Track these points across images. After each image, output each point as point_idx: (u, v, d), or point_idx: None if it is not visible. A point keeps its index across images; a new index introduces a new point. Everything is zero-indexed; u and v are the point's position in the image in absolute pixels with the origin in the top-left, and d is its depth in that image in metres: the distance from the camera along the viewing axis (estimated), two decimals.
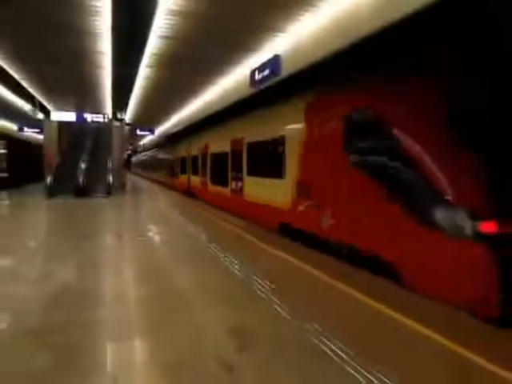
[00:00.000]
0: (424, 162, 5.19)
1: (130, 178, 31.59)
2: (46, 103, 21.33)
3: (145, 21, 10.01)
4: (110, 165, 19.58)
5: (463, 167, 4.88)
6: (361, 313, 4.18)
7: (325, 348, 3.39)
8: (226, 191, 13.71)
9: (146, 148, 48.21)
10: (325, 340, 3.52)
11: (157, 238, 8.02)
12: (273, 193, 9.71)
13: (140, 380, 3.03)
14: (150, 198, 17.66)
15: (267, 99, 11.43)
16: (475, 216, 4.51)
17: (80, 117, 20.94)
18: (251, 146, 11.46)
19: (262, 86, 11.73)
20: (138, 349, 3.47)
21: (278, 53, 10.83)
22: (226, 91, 15.68)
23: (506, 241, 4.28)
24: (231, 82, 14.90)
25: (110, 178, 18.39)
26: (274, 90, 11.28)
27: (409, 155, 5.42)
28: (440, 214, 4.87)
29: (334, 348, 3.37)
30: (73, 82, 16.37)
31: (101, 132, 21.91)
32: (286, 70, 10.49)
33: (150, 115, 24.87)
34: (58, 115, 20.60)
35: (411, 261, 5.25)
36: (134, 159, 56.92)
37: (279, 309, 4.28)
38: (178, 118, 25.23)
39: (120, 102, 20.69)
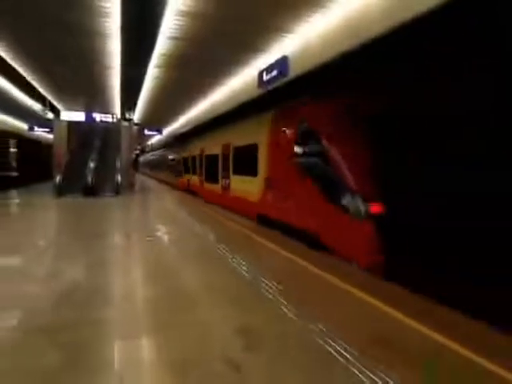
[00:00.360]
0: (337, 162, 7.33)
1: (138, 178, 31.51)
2: (56, 103, 21.58)
3: (154, 21, 10.11)
4: (118, 164, 19.73)
5: (360, 167, 7.11)
6: (365, 313, 4.24)
7: (329, 348, 3.43)
8: (217, 188, 15.82)
9: (154, 148, 48.37)
10: (330, 340, 3.56)
11: (165, 238, 8.05)
12: (251, 188, 11.66)
13: (147, 378, 3.07)
14: (157, 198, 17.70)
15: (249, 111, 13.61)
16: (367, 201, 6.70)
17: (89, 116, 21.07)
18: (236, 149, 13.55)
19: (269, 87, 11.90)
20: (146, 347, 3.51)
21: (285, 54, 10.87)
22: (233, 92, 15.84)
23: (384, 217, 6.46)
24: (239, 82, 14.98)
25: (119, 178, 18.52)
26: (254, 104, 13.64)
27: (328, 157, 7.53)
28: (346, 200, 7.00)
29: (338, 348, 3.42)
30: (82, 82, 16.56)
31: (109, 132, 22.13)
32: (293, 71, 10.56)
33: (158, 115, 24.98)
34: (67, 115, 20.77)
35: (330, 232, 7.42)
36: (141, 159, 57.16)
37: (286, 309, 4.31)
38: (185, 118, 25.47)
39: (128, 102, 20.88)
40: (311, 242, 7.70)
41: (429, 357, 3.32)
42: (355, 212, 6.79)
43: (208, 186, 17.60)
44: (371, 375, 3.03)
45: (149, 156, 48.55)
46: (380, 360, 3.24)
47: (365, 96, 8.54)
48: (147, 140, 45.94)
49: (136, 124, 23.87)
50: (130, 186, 20.36)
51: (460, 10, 6.12)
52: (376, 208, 6.64)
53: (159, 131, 29.47)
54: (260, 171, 11.04)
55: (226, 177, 14.60)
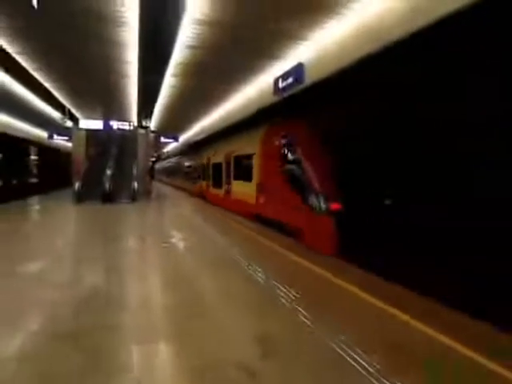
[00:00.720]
0: (307, 168, 9.39)
1: (154, 185, 31.47)
2: (74, 111, 22.11)
3: (171, 31, 10.28)
4: (134, 171, 19.81)
5: (324, 173, 9.25)
6: (381, 321, 4.22)
7: (348, 358, 3.40)
8: (221, 192, 17.52)
9: (170, 155, 48.81)
10: (349, 350, 3.54)
11: (181, 245, 8.06)
12: (247, 191, 13.27)
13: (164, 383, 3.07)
14: (173, 205, 17.70)
15: (263, 119, 14.75)
16: (328, 200, 8.62)
17: (107, 124, 21.32)
18: (236, 158, 15.14)
19: (285, 94, 11.92)
20: (163, 353, 3.53)
21: (301, 61, 10.88)
22: (249, 100, 15.90)
23: (341, 213, 8.28)
24: (255, 90, 15.00)
25: (135, 185, 18.57)
26: (268, 111, 14.61)
27: (302, 164, 9.58)
28: (312, 200, 8.88)
29: (356, 357, 3.40)
30: (100, 90, 16.88)
31: (126, 139, 22.25)
32: (309, 78, 10.56)
33: (174, 123, 25.21)
34: (86, 123, 21.07)
35: (304, 226, 9.11)
36: (157, 166, 57.54)
37: (303, 318, 4.29)
38: (200, 126, 25.63)
39: (145, 110, 21.32)
40: (294, 234, 9.44)
41: (434, 358, 3.37)
42: (318, 209, 8.67)
43: (213, 190, 19.36)
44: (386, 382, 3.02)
45: (165, 163, 49.07)
46: (394, 365, 3.28)
47: (327, 115, 11.43)
48: (163, 147, 46.42)
49: (152, 131, 24.16)
50: (146, 192, 20.42)
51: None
52: (335, 206, 8.54)
53: (175, 139, 29.73)
54: (254, 177, 12.73)
55: (228, 182, 16.32)
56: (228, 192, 16.30)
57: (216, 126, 21.19)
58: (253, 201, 12.72)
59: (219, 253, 7.36)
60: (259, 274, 5.85)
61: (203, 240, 8.68)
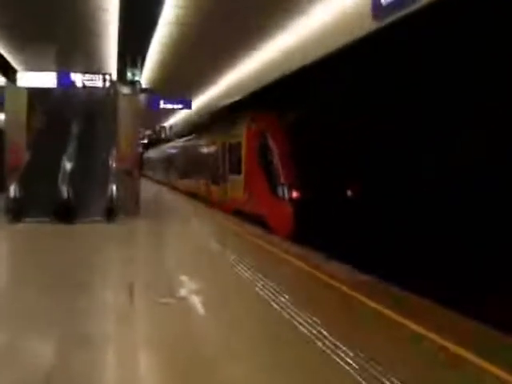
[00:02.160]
0: (275, 161, 11.52)
1: (143, 187, 24.01)
2: (10, 59, 18.79)
3: None
4: (113, 164, 14.36)
5: (289, 167, 11.21)
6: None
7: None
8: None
9: (177, 134, 38.70)
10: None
11: (197, 309, 5.85)
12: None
13: None
14: (182, 224, 13.22)
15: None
16: (290, 189, 10.79)
17: (64, 79, 16.82)
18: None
19: (393, 17, 9.71)
20: None
21: None
22: (324, 29, 12.75)
23: (300, 201, 10.72)
24: (334, 11, 12.08)
25: (113, 188, 13.16)
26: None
27: (271, 156, 11.93)
28: (279, 189, 11.41)
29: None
30: (57, 27, 14.67)
31: (98, 106, 16.41)
32: None
33: (181, 78, 20.80)
34: (27, 78, 16.47)
35: (268, 213, 11.77)
36: (151, 154, 45.03)
37: None
38: (233, 79, 20.85)
39: (132, 55, 18.75)
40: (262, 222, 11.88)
41: None
42: (283, 196, 10.88)
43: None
44: None
45: (166, 148, 37.26)
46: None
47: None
48: (164, 119, 37.95)
49: (144, 91, 19.84)
50: (131, 201, 14.51)
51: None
52: (295, 194, 10.64)
53: (185, 104, 23.14)
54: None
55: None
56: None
57: (277, 69, 16.27)
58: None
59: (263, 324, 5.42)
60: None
61: (231, 295, 6.63)
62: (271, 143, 11.97)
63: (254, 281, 6.99)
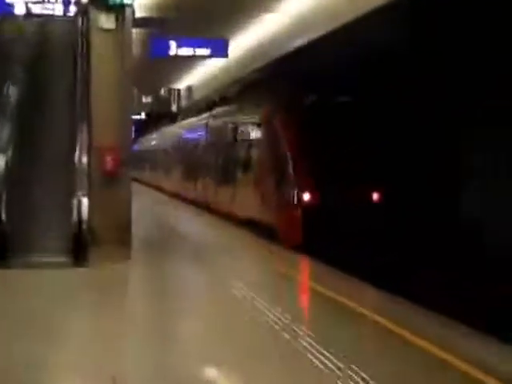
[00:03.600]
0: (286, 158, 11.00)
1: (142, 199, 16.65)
2: None
3: None
4: (81, 160, 8.14)
5: (301, 173, 10.53)
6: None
7: None
8: None
9: (200, 105, 23.67)
10: None
11: None
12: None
13: None
14: (210, 272, 8.01)
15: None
16: (301, 193, 10.28)
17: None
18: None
19: None
20: None
21: None
22: None
23: (310, 205, 10.16)
24: None
25: (84, 202, 7.65)
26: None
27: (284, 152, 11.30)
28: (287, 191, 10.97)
29: None
30: None
31: (53, 50, 9.81)
32: None
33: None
34: None
35: (281, 222, 10.94)
36: (152, 140, 30.17)
37: None
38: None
39: None
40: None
41: None
42: (292, 201, 10.42)
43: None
44: None
45: (179, 130, 23.70)
46: None
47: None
48: (177, 78, 22.57)
49: (141, 22, 10.95)
50: (116, 225, 8.72)
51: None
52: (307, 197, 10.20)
53: (216, 47, 12.81)
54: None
55: None
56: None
57: None
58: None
59: None
60: None
61: None
62: None
63: None
